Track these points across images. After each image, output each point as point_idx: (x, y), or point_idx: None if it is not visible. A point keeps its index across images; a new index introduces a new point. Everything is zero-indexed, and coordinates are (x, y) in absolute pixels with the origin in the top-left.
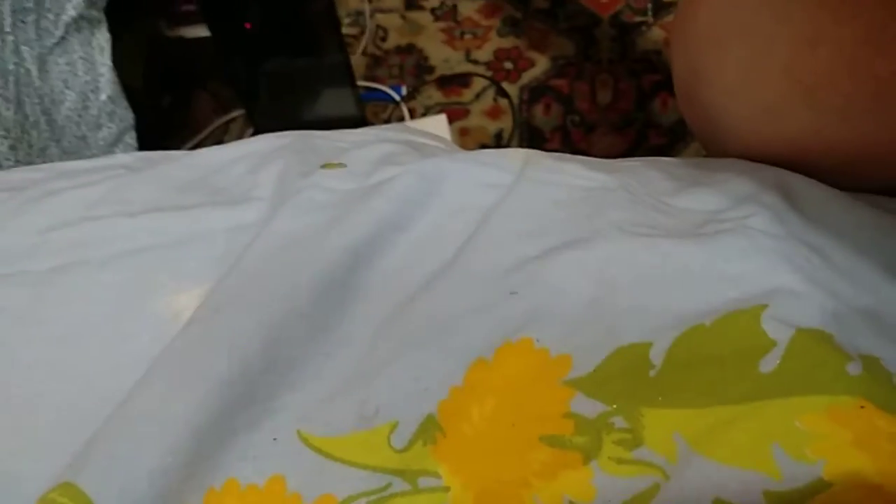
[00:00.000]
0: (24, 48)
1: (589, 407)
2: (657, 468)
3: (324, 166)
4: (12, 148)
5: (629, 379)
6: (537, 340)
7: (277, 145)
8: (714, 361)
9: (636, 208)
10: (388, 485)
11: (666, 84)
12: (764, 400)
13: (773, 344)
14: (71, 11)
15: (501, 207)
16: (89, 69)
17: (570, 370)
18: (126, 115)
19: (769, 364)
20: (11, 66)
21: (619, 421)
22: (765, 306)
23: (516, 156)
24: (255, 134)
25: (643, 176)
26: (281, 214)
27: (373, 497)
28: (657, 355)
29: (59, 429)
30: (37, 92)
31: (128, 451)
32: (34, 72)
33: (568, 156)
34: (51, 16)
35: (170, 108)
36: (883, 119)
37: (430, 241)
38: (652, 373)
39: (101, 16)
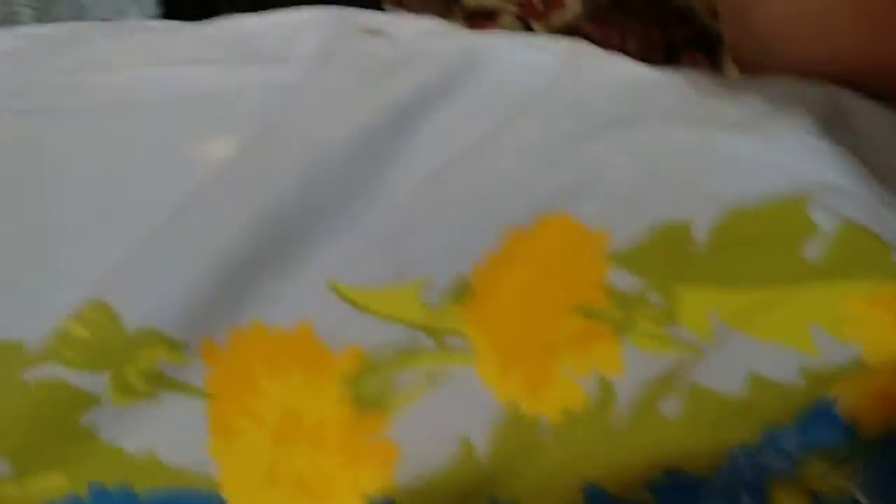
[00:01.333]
0: None
1: (624, 280)
2: (690, 345)
3: (367, 31)
4: (36, 19)
5: (667, 255)
6: (576, 215)
7: (315, 14)
8: (757, 243)
9: (686, 99)
10: (415, 340)
11: (695, 40)
12: (806, 283)
13: (819, 230)
14: None
15: (548, 88)
16: None
17: (609, 244)
18: (151, 4)
19: (813, 249)
20: None
21: (653, 296)
22: (811, 194)
23: (567, 43)
24: None
25: (691, 75)
26: (321, 73)
27: (398, 350)
28: (698, 234)
29: (87, 260)
30: None
31: (157, 274)
32: None
33: (613, 54)
34: None
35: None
36: None
37: (473, 111)
38: (692, 250)
39: None
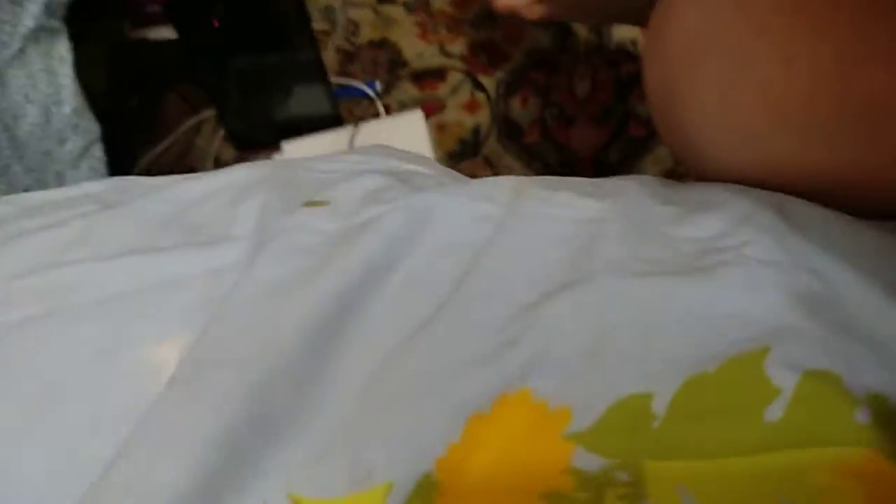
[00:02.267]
0: None
1: (590, 461)
2: None
3: (306, 204)
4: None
5: (631, 431)
6: (535, 392)
7: (256, 176)
8: (718, 411)
9: (632, 242)
10: None
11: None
12: (772, 451)
13: (778, 392)
14: (28, 22)
15: (493, 248)
16: (51, 81)
17: (570, 423)
18: (92, 127)
19: (775, 413)
20: None
21: (621, 475)
22: (768, 349)
23: (507, 185)
24: (226, 136)
25: (637, 202)
26: (263, 260)
27: None
28: (659, 406)
29: (38, 496)
30: None
31: None
32: None
33: (558, 180)
34: (7, 27)
35: (138, 111)
36: (866, 142)
37: (420, 282)
38: (654, 424)
39: (61, 25)
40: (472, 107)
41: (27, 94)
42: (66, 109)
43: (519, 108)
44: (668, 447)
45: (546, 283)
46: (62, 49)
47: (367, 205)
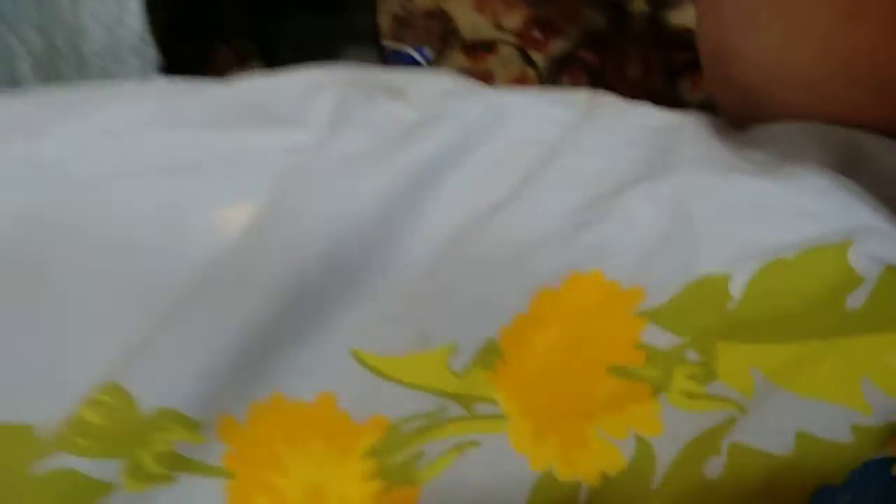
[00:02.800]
0: None
1: (661, 338)
2: (732, 402)
3: (386, 94)
4: (39, 76)
5: (705, 311)
6: (607, 272)
7: (330, 75)
8: (797, 296)
9: (709, 145)
10: (444, 409)
11: (697, 63)
12: (851, 335)
13: (861, 280)
14: None
15: (570, 143)
16: (119, 4)
17: (643, 301)
18: (152, 53)
19: (857, 300)
20: None
21: (691, 354)
22: (850, 242)
23: (585, 96)
24: None
25: (713, 124)
26: (341, 136)
27: (426, 420)
28: (736, 288)
29: (102, 336)
30: (65, 22)
31: (174, 352)
32: (64, 2)
33: (631, 102)
34: None
35: (189, 58)
36: None
37: (494, 171)
38: (730, 305)
39: None
40: (521, 81)
41: (96, 13)
42: (130, 32)
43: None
44: (742, 328)
45: (621, 177)
46: None
47: (444, 99)
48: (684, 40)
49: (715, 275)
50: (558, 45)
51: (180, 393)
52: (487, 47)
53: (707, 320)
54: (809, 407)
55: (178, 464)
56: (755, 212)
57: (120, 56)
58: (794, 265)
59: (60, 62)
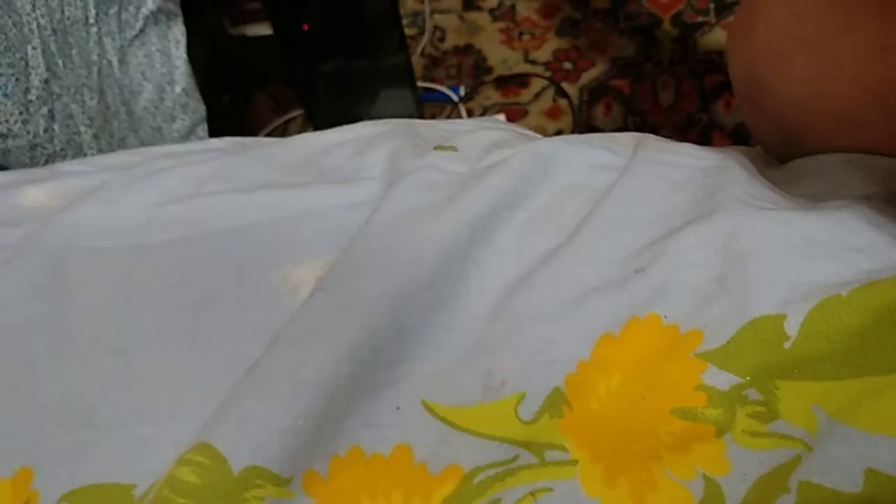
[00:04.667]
0: (106, 40)
1: (721, 379)
2: (797, 440)
3: (436, 148)
4: (95, 137)
5: (763, 351)
6: (665, 317)
7: (381, 130)
8: (853, 332)
9: (754, 183)
10: (516, 457)
11: (729, 85)
12: None
13: None
14: (150, 4)
15: (619, 188)
16: (165, 62)
17: (701, 343)
18: (199, 108)
19: None
20: (95, 58)
21: (752, 393)
22: None
23: (628, 139)
24: None
25: (754, 161)
26: (398, 191)
27: (500, 469)
28: (792, 326)
29: (181, 394)
30: (118, 83)
31: (260, 411)
32: (115, 63)
33: (675, 142)
34: (131, 8)
35: (229, 107)
36: None
37: (546, 219)
38: (787, 344)
39: (178, 9)
40: (554, 113)
41: (145, 72)
42: (178, 89)
43: (602, 116)
44: (801, 367)
45: (672, 220)
46: (178, 32)
47: (492, 150)
48: (714, 63)
49: (770, 315)
50: (589, 76)
51: (268, 451)
52: (519, 81)
53: (765, 360)
54: (876, 443)
55: None
56: (805, 250)
57: (170, 112)
58: (848, 302)
59: (114, 121)
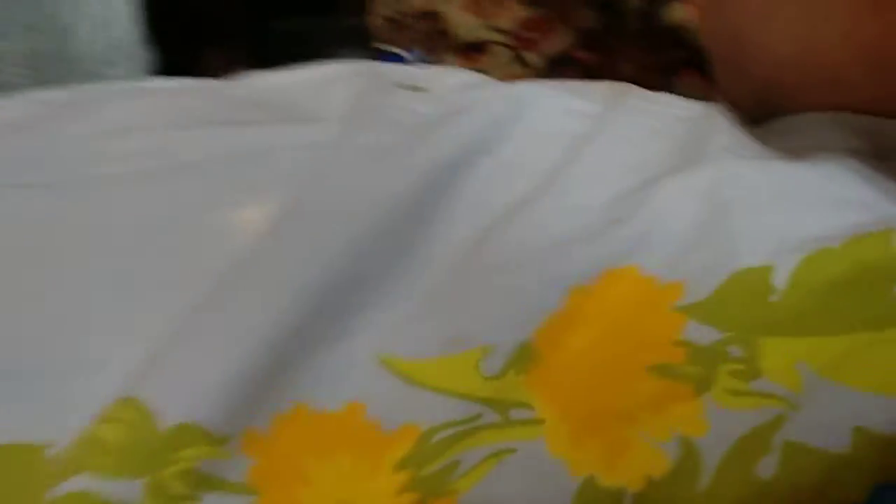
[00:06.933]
0: None
1: (702, 334)
2: (780, 399)
3: (404, 87)
4: (28, 78)
5: (747, 305)
6: (643, 268)
7: (342, 70)
8: (843, 286)
9: (738, 135)
10: (478, 415)
11: (691, 61)
12: None
13: None
14: None
15: (595, 136)
16: (104, 2)
17: (682, 296)
18: (141, 56)
19: None
20: None
21: (734, 350)
22: (893, 229)
23: (607, 87)
24: None
25: (735, 115)
26: (358, 131)
27: (460, 428)
28: (779, 279)
29: (108, 345)
30: (49, 19)
31: (194, 364)
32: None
33: (655, 92)
34: None
35: (176, 62)
36: None
37: (517, 166)
38: (773, 298)
39: None
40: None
41: (79, 9)
42: (118, 32)
43: None
44: (787, 322)
45: (652, 169)
46: None
47: (463, 92)
48: (679, 37)
49: (756, 267)
50: (552, 45)
51: (202, 407)
52: (480, 48)
53: (750, 314)
54: (865, 401)
55: (203, 483)
56: (794, 201)
57: (110, 59)
58: (839, 254)
59: (47, 65)
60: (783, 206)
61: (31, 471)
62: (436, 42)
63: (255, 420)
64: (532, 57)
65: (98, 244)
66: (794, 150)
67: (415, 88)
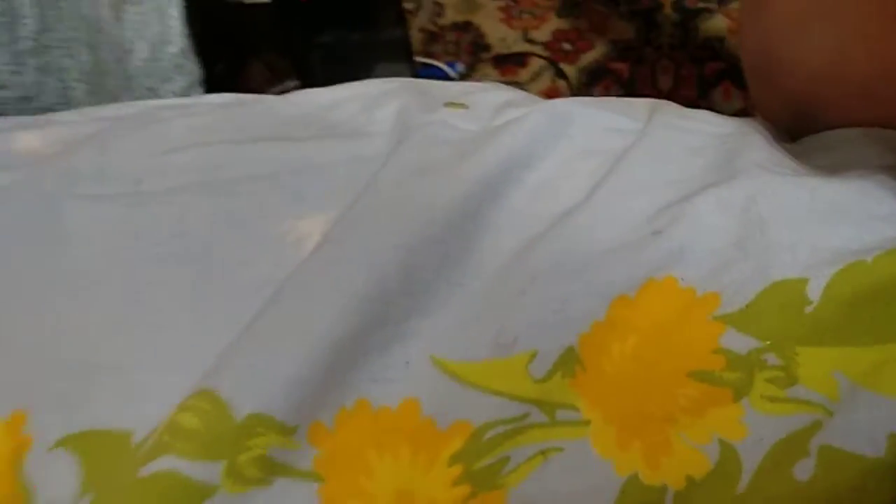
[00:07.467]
0: None
1: (740, 343)
2: (816, 406)
3: (447, 105)
4: (89, 93)
5: (783, 315)
6: (682, 279)
7: (389, 87)
8: (878, 298)
9: (773, 151)
10: (526, 415)
11: (729, 72)
12: None
13: None
14: None
15: (635, 152)
16: (160, 20)
17: (719, 307)
18: (194, 70)
19: None
20: (87, 12)
21: (772, 358)
22: None
23: (644, 104)
24: None
25: (770, 132)
26: (407, 146)
27: (510, 426)
28: (814, 291)
29: (181, 344)
30: (111, 40)
31: (265, 360)
32: (108, 19)
33: (691, 109)
34: None
35: (223, 75)
36: None
37: (559, 180)
38: (808, 309)
39: None
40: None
41: (138, 30)
42: (173, 49)
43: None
44: (822, 332)
45: (690, 184)
46: None
47: (505, 109)
48: (715, 50)
49: (791, 279)
50: (589, 57)
51: (273, 399)
52: (518, 60)
53: (785, 325)
54: None
55: (274, 468)
56: (827, 215)
57: (164, 73)
58: (872, 267)
59: (108, 78)
60: (816, 221)
61: (121, 453)
62: (473, 54)
63: (321, 414)
64: (569, 68)
65: (169, 251)
66: (829, 167)
67: (458, 105)
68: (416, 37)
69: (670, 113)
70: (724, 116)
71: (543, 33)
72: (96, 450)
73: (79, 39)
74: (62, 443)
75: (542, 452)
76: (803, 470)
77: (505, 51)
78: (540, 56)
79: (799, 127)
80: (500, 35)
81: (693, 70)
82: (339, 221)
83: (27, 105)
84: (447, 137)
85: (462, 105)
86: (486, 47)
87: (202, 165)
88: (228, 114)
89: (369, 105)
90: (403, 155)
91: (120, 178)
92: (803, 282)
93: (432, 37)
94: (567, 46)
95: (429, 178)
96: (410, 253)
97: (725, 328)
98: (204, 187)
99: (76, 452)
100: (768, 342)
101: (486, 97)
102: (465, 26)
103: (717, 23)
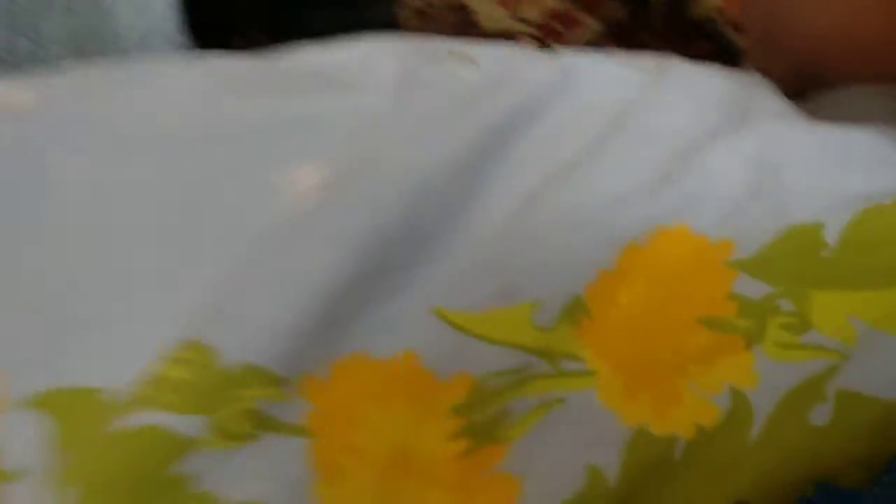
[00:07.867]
0: None
1: (753, 288)
2: (831, 351)
3: (451, 54)
4: (66, 57)
5: (798, 260)
6: (694, 227)
7: (391, 41)
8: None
9: (783, 100)
10: (529, 365)
11: (719, 53)
12: None
13: None
14: None
15: (645, 102)
16: None
17: (732, 254)
18: (177, 40)
19: None
20: None
21: (785, 303)
22: None
23: (652, 58)
24: None
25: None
26: (410, 96)
27: (512, 377)
28: (831, 235)
29: (166, 294)
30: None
31: (256, 308)
32: None
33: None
34: None
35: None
36: None
37: (568, 131)
38: (824, 253)
39: None
40: None
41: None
42: (155, 17)
43: None
44: (838, 276)
45: (702, 132)
46: None
47: (511, 60)
48: (706, 30)
49: (807, 224)
50: (579, 37)
51: (262, 348)
52: (508, 39)
53: (800, 269)
54: None
55: (262, 423)
56: (842, 160)
57: (147, 42)
58: (891, 211)
59: (86, 45)
60: (831, 166)
61: (90, 409)
62: (464, 34)
63: (314, 366)
64: (560, 48)
65: (157, 199)
66: (840, 119)
67: (464, 57)
68: (406, 16)
69: (678, 66)
70: (733, 70)
71: (535, 13)
72: (69, 407)
73: (56, 3)
74: (38, 402)
75: (545, 404)
76: (820, 415)
77: (495, 30)
78: (530, 36)
79: (804, 87)
80: (491, 14)
81: (684, 50)
82: (339, 170)
83: None
84: (452, 88)
85: (466, 56)
86: (476, 26)
87: (193, 116)
88: (220, 68)
89: (370, 59)
90: (406, 105)
91: (107, 130)
92: (819, 226)
93: (422, 16)
94: (558, 26)
95: (431, 128)
96: (413, 201)
97: (738, 274)
98: (195, 137)
99: (48, 410)
100: (782, 287)
101: (492, 49)
102: (456, 5)
103: (708, 3)
